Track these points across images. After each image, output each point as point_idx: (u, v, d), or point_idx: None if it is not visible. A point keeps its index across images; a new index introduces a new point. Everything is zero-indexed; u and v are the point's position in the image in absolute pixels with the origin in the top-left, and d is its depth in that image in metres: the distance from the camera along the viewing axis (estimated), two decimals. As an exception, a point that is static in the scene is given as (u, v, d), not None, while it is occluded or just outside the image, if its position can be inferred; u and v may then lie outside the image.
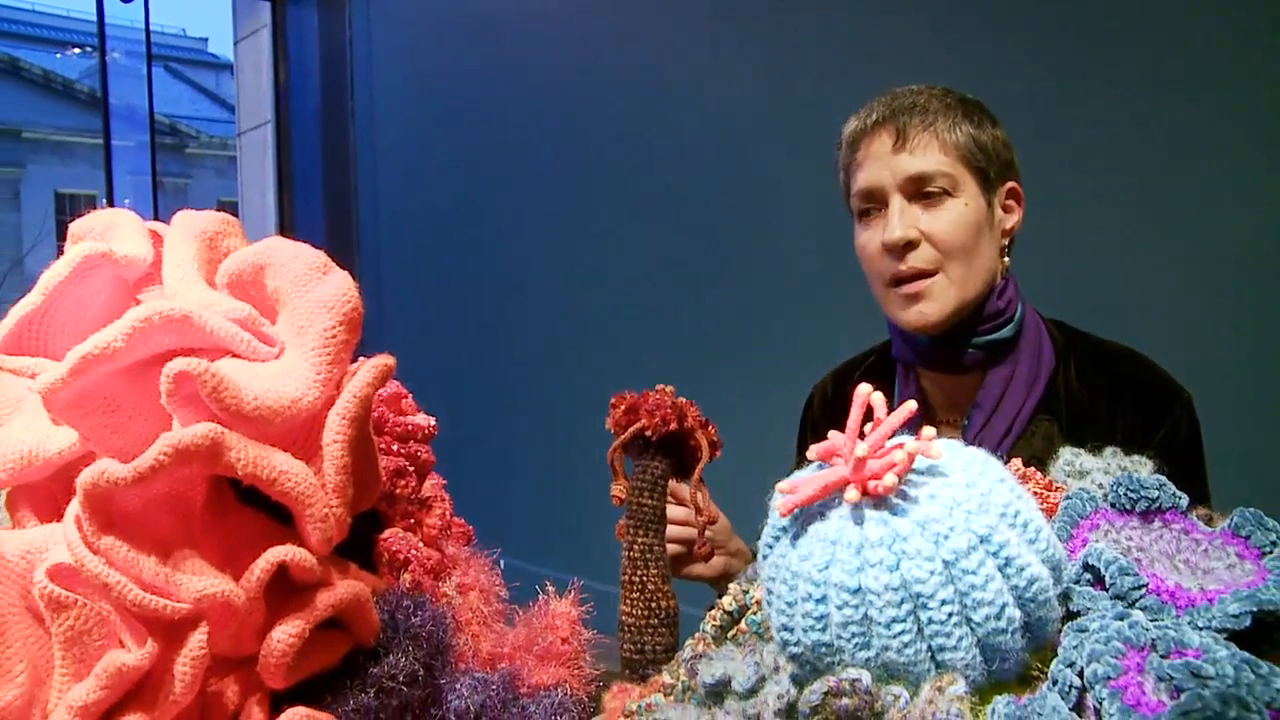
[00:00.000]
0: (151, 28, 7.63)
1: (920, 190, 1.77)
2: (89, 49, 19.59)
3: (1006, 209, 1.85)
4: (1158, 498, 0.91)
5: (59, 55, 19.35)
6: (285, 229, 6.14)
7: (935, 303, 1.77)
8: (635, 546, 1.44)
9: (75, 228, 1.33)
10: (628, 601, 1.44)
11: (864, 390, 0.78)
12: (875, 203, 1.82)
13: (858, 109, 1.87)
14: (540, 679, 1.36)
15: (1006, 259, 1.85)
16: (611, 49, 4.56)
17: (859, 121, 1.87)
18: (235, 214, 1.42)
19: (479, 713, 1.23)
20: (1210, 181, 2.81)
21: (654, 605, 1.43)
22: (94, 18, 6.81)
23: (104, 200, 18.16)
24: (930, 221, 1.76)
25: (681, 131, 4.15)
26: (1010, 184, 1.85)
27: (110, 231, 1.29)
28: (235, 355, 1.16)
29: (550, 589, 1.47)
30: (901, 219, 1.76)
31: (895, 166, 1.78)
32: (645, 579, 1.44)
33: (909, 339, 1.87)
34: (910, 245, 1.77)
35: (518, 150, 4.95)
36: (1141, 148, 2.92)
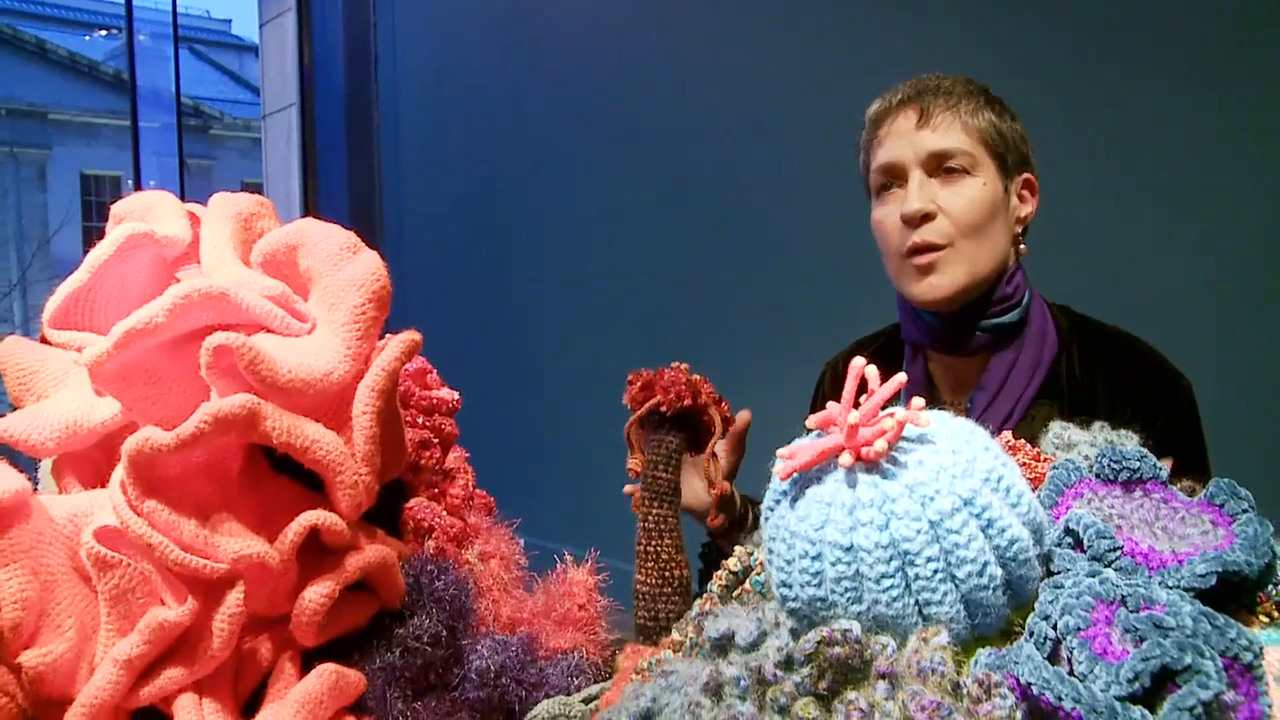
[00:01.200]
0: (177, 10, 7.71)
1: (940, 166, 1.80)
2: (115, 31, 19.73)
3: (1021, 198, 1.88)
4: (1139, 468, 0.96)
5: (87, 38, 19.48)
6: (309, 211, 6.21)
7: (945, 276, 1.80)
8: (650, 517, 1.50)
9: (117, 209, 1.39)
10: (642, 570, 1.50)
11: (858, 364, 0.84)
12: (894, 178, 1.84)
13: (873, 94, 1.91)
14: (558, 643, 1.41)
15: (1022, 247, 1.89)
16: (634, 33, 4.61)
17: (883, 102, 1.89)
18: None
19: (499, 672, 1.29)
20: (1217, 171, 2.83)
21: (668, 574, 1.49)
22: (121, 0, 6.88)
23: (129, 181, 18.25)
24: (948, 197, 1.79)
25: (702, 113, 4.19)
26: (1026, 175, 1.88)
27: (150, 212, 1.35)
28: (270, 331, 1.22)
29: (568, 558, 1.53)
30: (920, 192, 1.80)
31: (917, 142, 1.80)
32: (660, 549, 1.50)
33: (918, 320, 1.90)
34: (927, 218, 1.79)
35: (540, 132, 5.00)
36: (1150, 137, 2.94)
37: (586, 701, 1.27)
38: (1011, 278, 1.85)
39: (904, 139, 1.82)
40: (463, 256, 5.38)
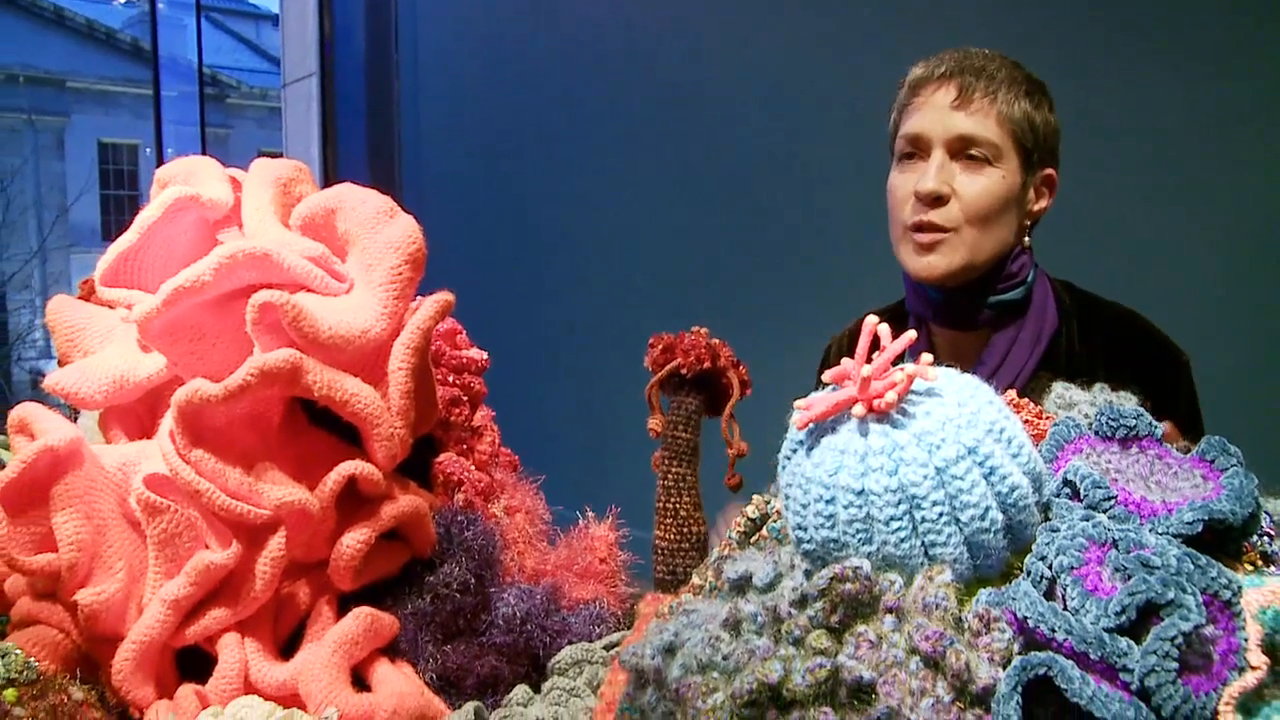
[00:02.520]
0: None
1: (964, 151, 1.80)
2: (133, -1, 19.76)
3: (1039, 193, 1.89)
4: (1135, 426, 1.01)
5: (110, 4, 19.48)
6: (329, 180, 6.25)
7: (944, 259, 1.81)
8: (670, 476, 1.56)
9: (160, 173, 1.45)
10: (661, 527, 1.56)
11: (871, 321, 0.89)
12: (918, 149, 1.84)
13: (889, 70, 1.92)
14: (580, 594, 1.48)
15: (1027, 239, 1.89)
16: (655, 1, 4.63)
17: (925, 69, 1.88)
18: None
19: (525, 619, 1.35)
20: (1221, 150, 2.86)
21: (686, 530, 1.54)
22: (141, -32, 6.91)
23: (147, 150, 18.28)
24: (965, 183, 1.79)
25: (726, 82, 4.22)
26: (1048, 170, 1.88)
27: (194, 177, 1.41)
28: (310, 290, 1.28)
29: (590, 514, 1.59)
30: (939, 173, 1.79)
31: (948, 121, 1.80)
32: (678, 506, 1.55)
33: (923, 294, 1.92)
34: (940, 200, 1.80)
35: (560, 100, 5.03)
36: (1156, 115, 2.97)
37: (608, 648, 1.33)
38: (1016, 257, 1.87)
39: (936, 114, 1.82)
40: (483, 224, 5.42)
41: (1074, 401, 1.10)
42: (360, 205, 1.34)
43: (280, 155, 6.97)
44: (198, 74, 8.00)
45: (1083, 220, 2.78)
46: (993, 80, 1.81)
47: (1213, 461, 0.94)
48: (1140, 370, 1.80)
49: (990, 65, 1.83)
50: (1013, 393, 1.11)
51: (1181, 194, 2.96)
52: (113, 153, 18.94)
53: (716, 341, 1.56)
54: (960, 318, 1.90)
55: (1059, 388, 1.13)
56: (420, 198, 5.92)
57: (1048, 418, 1.08)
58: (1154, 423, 0.99)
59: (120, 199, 18.54)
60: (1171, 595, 0.73)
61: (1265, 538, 0.91)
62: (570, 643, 1.34)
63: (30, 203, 17.13)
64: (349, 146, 6.33)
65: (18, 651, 1.10)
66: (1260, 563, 0.90)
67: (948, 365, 0.97)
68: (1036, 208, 1.88)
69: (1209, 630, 0.75)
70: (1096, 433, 1.00)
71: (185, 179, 1.41)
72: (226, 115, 19.39)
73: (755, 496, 1.20)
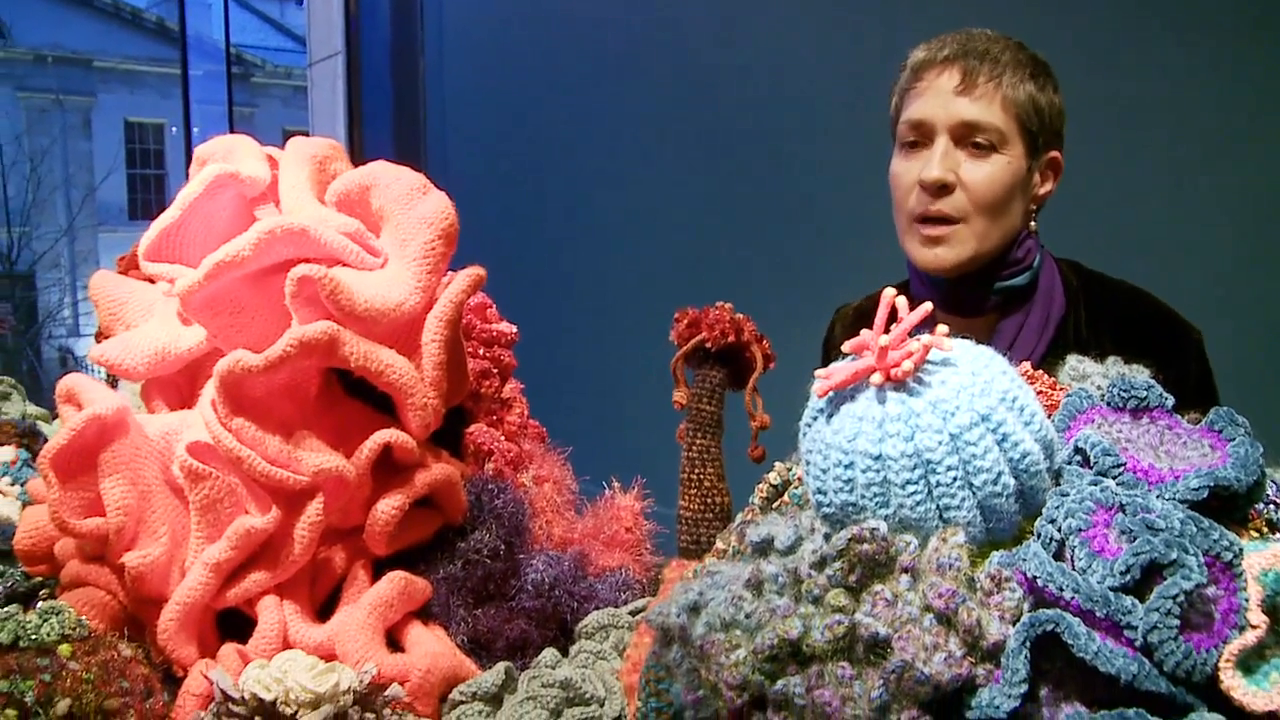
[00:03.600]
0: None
1: (969, 137, 1.77)
2: (159, -23, 19.82)
3: (1044, 177, 1.86)
4: (1146, 397, 1.04)
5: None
6: (355, 159, 6.28)
7: (953, 250, 1.80)
8: (694, 447, 1.59)
9: (200, 151, 1.49)
10: (685, 497, 1.59)
11: (889, 294, 0.93)
12: (921, 136, 1.82)
13: (906, 41, 1.90)
14: (606, 562, 1.52)
15: (1033, 223, 1.89)
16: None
17: (928, 52, 1.85)
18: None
19: (553, 585, 1.39)
20: (1232, 126, 2.86)
21: (710, 500, 1.58)
22: (168, -52, 6.95)
23: (173, 129, 18.34)
24: (971, 170, 1.77)
25: (748, 58, 4.23)
26: (1053, 153, 1.86)
27: (232, 154, 1.45)
28: (345, 264, 1.32)
29: (615, 485, 1.63)
30: (943, 160, 1.77)
31: (952, 107, 1.78)
32: (703, 476, 1.59)
33: (928, 281, 1.90)
34: (945, 188, 1.78)
35: (585, 80, 5.05)
36: (1166, 95, 2.98)
37: (633, 614, 1.37)
38: (1022, 242, 1.86)
39: (940, 99, 1.80)
40: (508, 204, 5.46)
41: (1087, 374, 1.14)
42: (394, 182, 1.38)
43: (305, 134, 7.01)
44: (225, 53, 8.04)
45: (1090, 198, 2.79)
46: (997, 64, 1.79)
47: (1221, 431, 0.97)
48: (1151, 348, 1.73)
49: (994, 48, 1.81)
50: (1027, 364, 1.15)
51: (1191, 169, 2.96)
52: (139, 131, 19.03)
53: (740, 316, 1.59)
54: (966, 305, 1.88)
55: (1073, 360, 1.17)
56: (445, 176, 5.95)
57: (1061, 389, 1.12)
58: (1164, 394, 1.02)
59: (146, 178, 18.65)
60: (1174, 555, 0.76)
61: (1271, 505, 0.94)
62: (597, 608, 1.39)
63: (59, 182, 17.25)
64: (374, 125, 6.36)
65: (70, 610, 1.15)
66: (1266, 530, 0.93)
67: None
68: (1042, 191, 1.87)
69: (1210, 590, 0.78)
70: (1108, 403, 1.04)
71: (224, 157, 1.45)
72: (251, 94, 19.43)
73: (777, 464, 1.24)
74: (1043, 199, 1.88)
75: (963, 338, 0.99)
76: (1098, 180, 2.87)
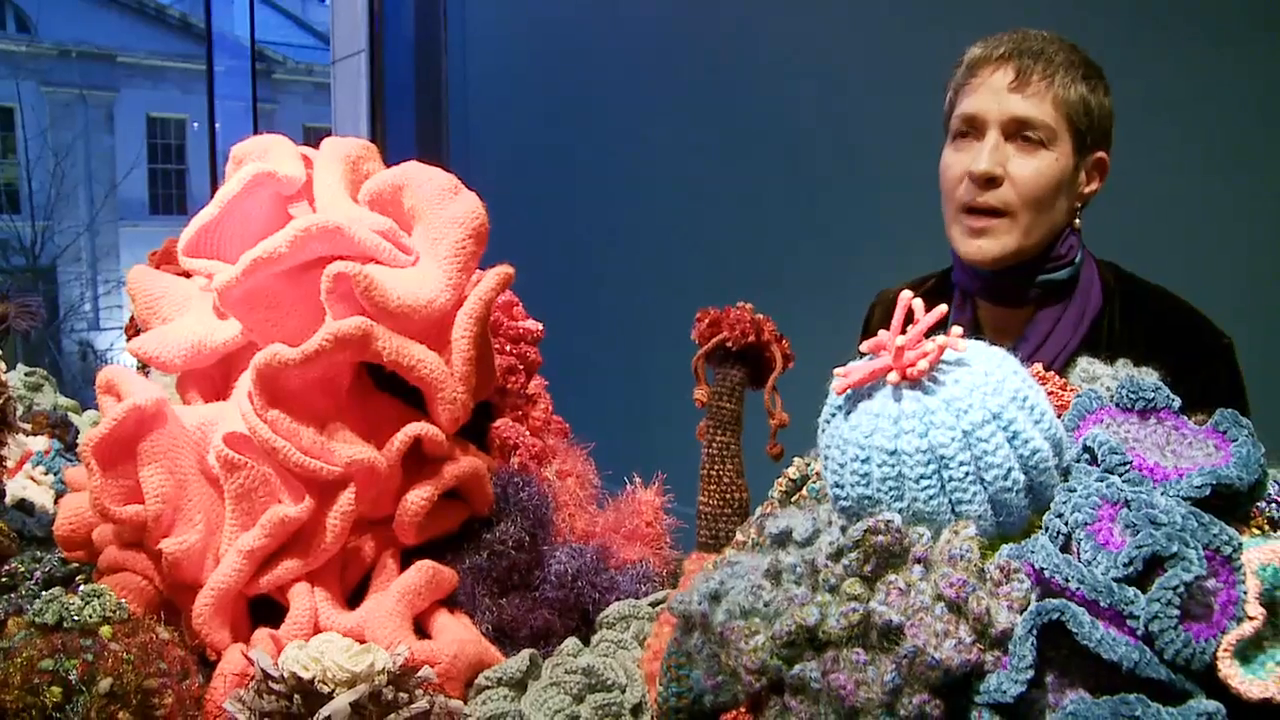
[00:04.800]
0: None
1: (1019, 132, 1.80)
2: (183, -26, 19.93)
3: (1090, 176, 1.88)
4: (1154, 399, 1.08)
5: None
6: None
7: (997, 242, 1.84)
8: (714, 444, 1.63)
9: (236, 151, 1.53)
10: (705, 493, 1.63)
11: (905, 296, 0.96)
12: (973, 129, 1.85)
13: (935, 39, 1.91)
14: (627, 555, 1.55)
15: (1078, 221, 1.91)
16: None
17: (984, 49, 1.88)
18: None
19: (575, 576, 1.43)
20: (1271, 138, 2.87)
21: (729, 496, 1.62)
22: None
23: (195, 124, 18.42)
24: (1019, 165, 1.80)
25: (771, 57, 4.24)
26: (1100, 154, 1.88)
27: (268, 154, 1.49)
28: (378, 262, 1.36)
29: (637, 480, 1.67)
30: (993, 154, 1.80)
31: (1004, 102, 1.81)
32: (722, 473, 1.62)
33: (971, 270, 1.94)
34: (993, 181, 1.81)
35: (607, 79, 5.07)
36: (1202, 99, 2.99)
37: (653, 605, 1.41)
38: (1065, 238, 1.89)
39: (993, 95, 1.83)
40: (530, 203, 5.49)
41: (1097, 375, 1.17)
42: (426, 182, 1.42)
43: (327, 131, 7.02)
44: (250, 50, 8.10)
45: (1130, 201, 2.81)
46: (1050, 63, 1.82)
47: (1225, 432, 1.01)
48: (1181, 352, 1.80)
49: (1049, 48, 1.84)
50: (1039, 365, 1.18)
51: (1228, 177, 2.97)
52: (161, 127, 19.12)
53: (761, 316, 1.62)
54: (1007, 295, 1.93)
55: (1084, 362, 1.20)
56: (467, 174, 5.94)
57: (1072, 389, 1.15)
58: (1171, 395, 1.06)
59: (168, 173, 18.76)
60: (1175, 548, 0.80)
61: (1274, 504, 0.98)
62: (618, 599, 1.42)
63: (82, 177, 17.35)
64: (397, 123, 6.39)
65: (111, 593, 1.19)
66: (1268, 527, 0.96)
67: (992, 340, 1.04)
68: (1087, 190, 1.90)
69: (1210, 583, 0.82)
70: (1117, 404, 1.07)
71: (260, 156, 1.49)
72: (273, 90, 19.50)
73: (796, 459, 1.27)
74: (1088, 198, 1.91)
75: (992, 340, 1.02)
76: (1138, 184, 2.88)
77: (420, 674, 1.13)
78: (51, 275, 16.58)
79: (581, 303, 5.03)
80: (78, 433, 1.93)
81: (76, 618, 1.17)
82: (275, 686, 1.06)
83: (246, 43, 10.34)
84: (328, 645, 1.07)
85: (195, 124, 18.62)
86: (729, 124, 4.44)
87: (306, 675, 1.04)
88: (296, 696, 1.05)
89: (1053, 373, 1.18)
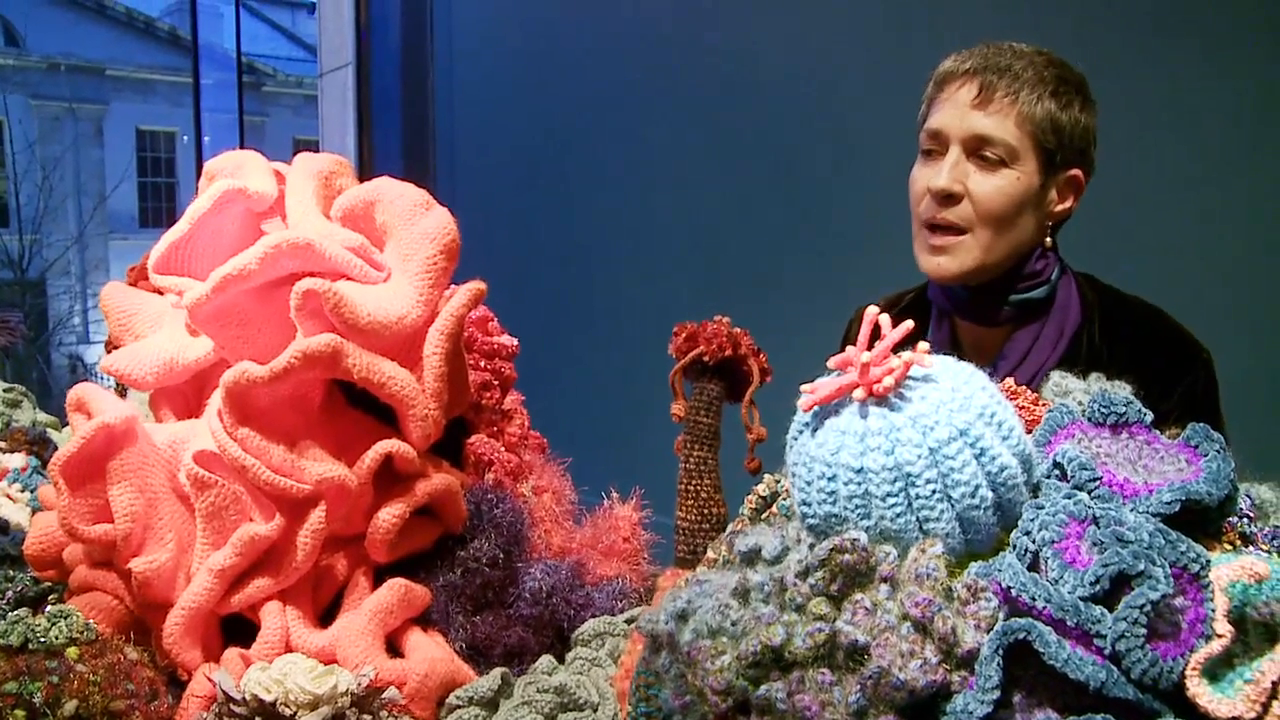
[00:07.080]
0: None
1: (979, 150, 1.79)
2: (171, -13, 19.92)
3: (1062, 195, 1.86)
4: (1125, 413, 1.07)
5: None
6: (364, 169, 6.32)
7: (955, 260, 1.82)
8: (691, 459, 1.62)
9: (210, 166, 1.52)
10: (683, 508, 1.62)
11: (871, 311, 0.96)
12: (938, 145, 1.84)
13: (927, 51, 1.89)
14: (603, 571, 1.54)
15: (1049, 239, 1.89)
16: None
17: (953, 64, 1.87)
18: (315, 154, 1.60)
19: (550, 593, 1.42)
20: (1249, 144, 2.87)
21: (706, 511, 1.61)
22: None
23: (184, 137, 18.41)
24: (978, 182, 1.79)
25: (751, 74, 4.26)
26: (1074, 171, 1.86)
27: (241, 170, 1.49)
28: (349, 278, 1.35)
29: (614, 495, 1.66)
30: (952, 170, 1.79)
31: (966, 119, 1.80)
32: (699, 488, 1.62)
33: (945, 288, 1.93)
34: (951, 198, 1.80)
35: (595, 92, 5.08)
36: (1183, 110, 2.99)
37: (629, 622, 1.40)
38: (1039, 256, 1.88)
39: (956, 111, 1.82)
40: (516, 215, 5.49)
41: (1069, 389, 1.16)
42: (398, 198, 1.41)
43: (316, 143, 7.01)
44: (237, 62, 8.09)
45: (1109, 214, 2.81)
46: (1017, 79, 1.80)
47: (1196, 447, 1.00)
48: (1161, 366, 1.81)
49: (1018, 63, 1.82)
50: (1010, 380, 1.17)
51: (1209, 188, 2.97)
52: (150, 140, 19.10)
53: (738, 330, 1.62)
54: (981, 314, 1.92)
55: (1056, 376, 1.19)
56: (453, 187, 5.99)
57: (1044, 404, 1.14)
58: (1143, 410, 1.05)
59: (158, 186, 18.75)
60: (1142, 567, 0.79)
61: (1245, 519, 0.97)
62: (593, 616, 1.41)
63: (71, 190, 17.32)
64: (384, 136, 6.39)
65: (78, 614, 1.18)
66: (1239, 542, 0.96)
67: (970, 359, 1.03)
68: (1059, 209, 1.87)
69: (1178, 601, 0.81)
70: (1089, 419, 1.06)
71: (233, 172, 1.49)
72: (262, 103, 19.49)
73: (766, 476, 1.27)
74: (1060, 216, 1.89)
75: (970, 359, 1.01)
76: (1116, 197, 2.88)
77: (386, 695, 1.12)
78: (40, 289, 16.54)
79: (561, 316, 5.04)
80: (56, 449, 1.92)
81: (43, 639, 1.16)
82: (237, 710, 1.05)
83: (235, 55, 10.33)
84: (291, 667, 1.06)
85: (185, 137, 18.60)
86: (709, 139, 4.44)
87: (269, 697, 1.03)
88: (259, 719, 1.04)
89: (1024, 387, 1.17)
